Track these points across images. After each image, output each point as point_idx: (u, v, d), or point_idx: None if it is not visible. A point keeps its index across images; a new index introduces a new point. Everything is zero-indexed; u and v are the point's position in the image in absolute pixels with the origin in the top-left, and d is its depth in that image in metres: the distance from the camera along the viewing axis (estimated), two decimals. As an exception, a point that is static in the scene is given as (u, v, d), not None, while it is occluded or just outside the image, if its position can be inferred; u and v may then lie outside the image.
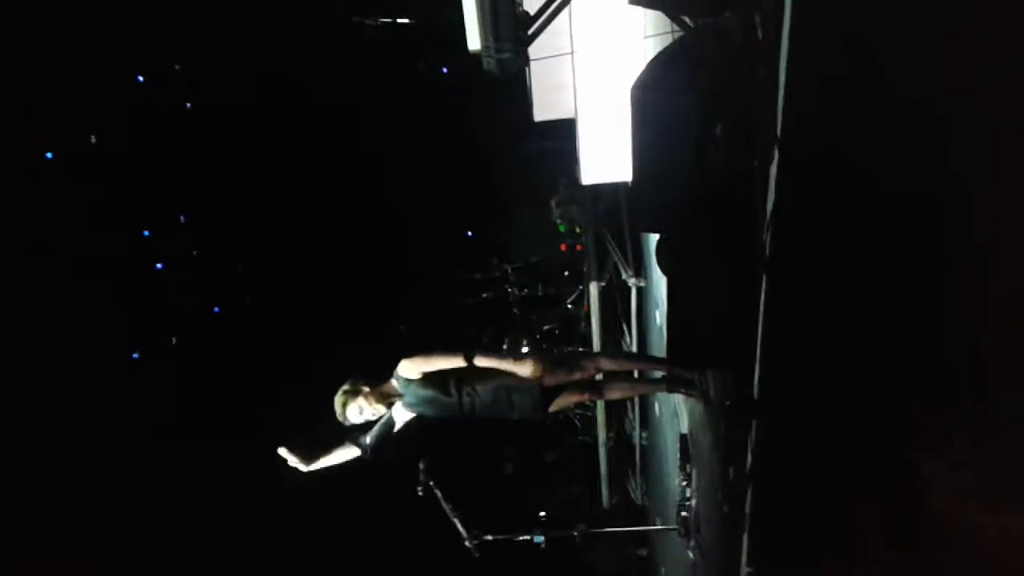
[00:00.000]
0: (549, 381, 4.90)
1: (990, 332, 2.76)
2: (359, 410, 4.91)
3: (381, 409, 4.96)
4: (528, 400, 4.87)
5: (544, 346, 10.74)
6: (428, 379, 4.84)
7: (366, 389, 4.91)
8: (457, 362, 4.81)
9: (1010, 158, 2.61)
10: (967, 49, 2.83)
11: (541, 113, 8.90)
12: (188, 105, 14.61)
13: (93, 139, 13.65)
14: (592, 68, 7.19)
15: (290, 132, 14.12)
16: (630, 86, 4.33)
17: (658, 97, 4.20)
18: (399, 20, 12.27)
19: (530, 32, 5.64)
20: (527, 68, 8.03)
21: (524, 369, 4.80)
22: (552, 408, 5.02)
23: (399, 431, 5.14)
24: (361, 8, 12.60)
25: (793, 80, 3.58)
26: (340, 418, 4.98)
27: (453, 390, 4.84)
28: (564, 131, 9.23)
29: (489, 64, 5.63)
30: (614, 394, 5.66)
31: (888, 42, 3.18)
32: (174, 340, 13.83)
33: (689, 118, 4.12)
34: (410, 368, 4.84)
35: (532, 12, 5.73)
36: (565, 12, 6.28)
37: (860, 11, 3.17)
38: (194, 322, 14.16)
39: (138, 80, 14.28)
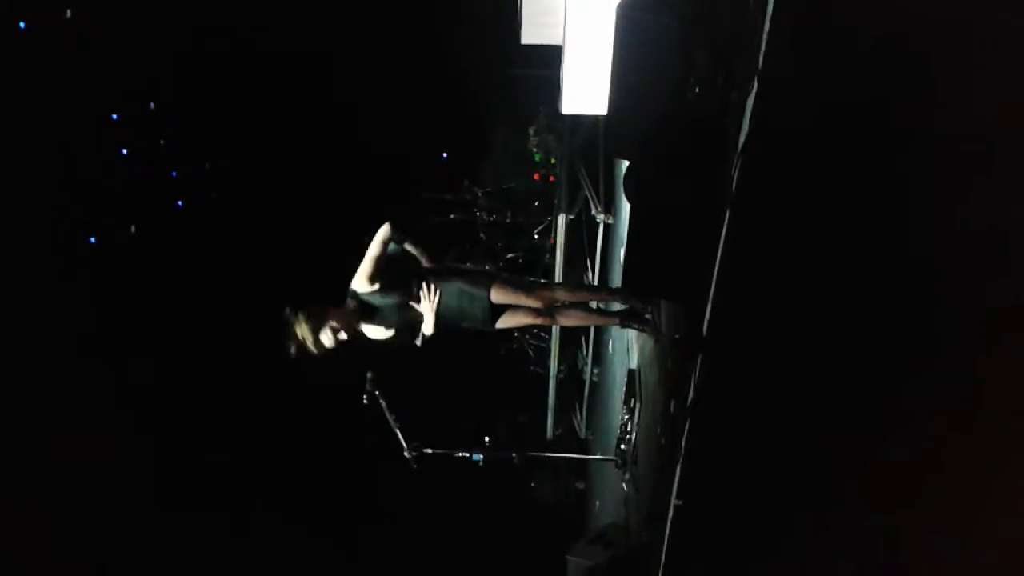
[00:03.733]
0: (497, 298, 4.89)
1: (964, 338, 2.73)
2: (331, 334, 4.66)
3: (354, 327, 4.76)
4: (479, 309, 4.87)
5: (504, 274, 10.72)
6: (388, 285, 4.76)
7: (332, 313, 4.70)
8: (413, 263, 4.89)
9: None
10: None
11: (529, 36, 8.71)
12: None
13: (68, 13, 13.17)
14: (584, -6, 7.01)
15: (270, 36, 13.73)
16: (616, 5, 4.22)
17: (644, 18, 4.09)
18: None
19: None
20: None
21: (478, 280, 4.87)
22: (500, 324, 5.00)
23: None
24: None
25: (781, 11, 3.51)
26: (313, 348, 4.65)
27: (415, 290, 4.78)
28: (550, 59, 9.05)
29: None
30: (567, 321, 5.65)
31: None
32: (133, 229, 13.59)
33: (673, 43, 4.03)
34: (362, 282, 4.73)
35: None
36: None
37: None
38: (156, 213, 13.91)
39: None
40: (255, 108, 13.76)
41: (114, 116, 13.45)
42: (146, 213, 13.60)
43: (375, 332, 4.86)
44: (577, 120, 9.54)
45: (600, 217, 9.21)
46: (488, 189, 11.15)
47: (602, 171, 9.44)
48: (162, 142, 13.86)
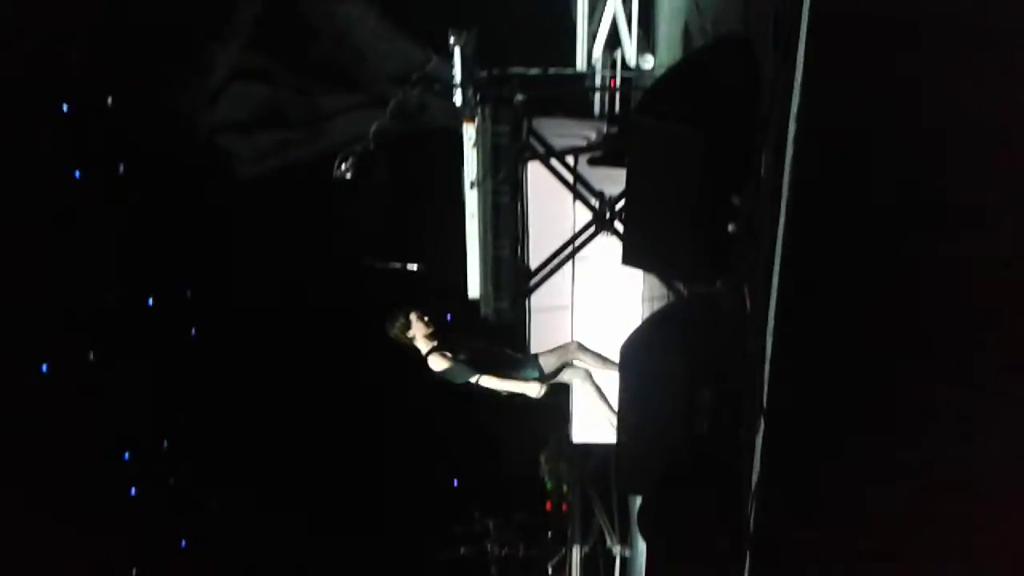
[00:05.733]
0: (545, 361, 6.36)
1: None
2: (402, 329, 6.11)
3: (416, 336, 6.09)
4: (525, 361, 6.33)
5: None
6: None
7: (420, 322, 6.07)
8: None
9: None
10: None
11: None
12: (193, 331, 14.76)
13: (91, 356, 13.68)
14: (589, 326, 7.29)
15: (288, 368, 14.16)
16: (621, 344, 4.35)
17: (647, 358, 4.20)
18: (408, 266, 12.59)
19: (530, 284, 5.79)
20: (528, 320, 8.19)
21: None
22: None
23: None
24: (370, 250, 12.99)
25: (780, 352, 3.60)
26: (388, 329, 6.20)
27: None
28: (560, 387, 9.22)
29: (486, 311, 5.76)
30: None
31: (873, 310, 3.24)
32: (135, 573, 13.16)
33: (677, 381, 4.10)
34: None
35: (534, 267, 5.92)
36: (568, 269, 6.49)
37: (844, 286, 3.25)
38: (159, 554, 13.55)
39: (147, 303, 14.53)
40: (271, 437, 13.84)
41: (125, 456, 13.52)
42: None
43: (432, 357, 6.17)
44: (588, 447, 9.52)
45: (616, 549, 8.90)
46: (499, 520, 10.88)
47: (616, 499, 9.26)
48: (172, 481, 13.79)
